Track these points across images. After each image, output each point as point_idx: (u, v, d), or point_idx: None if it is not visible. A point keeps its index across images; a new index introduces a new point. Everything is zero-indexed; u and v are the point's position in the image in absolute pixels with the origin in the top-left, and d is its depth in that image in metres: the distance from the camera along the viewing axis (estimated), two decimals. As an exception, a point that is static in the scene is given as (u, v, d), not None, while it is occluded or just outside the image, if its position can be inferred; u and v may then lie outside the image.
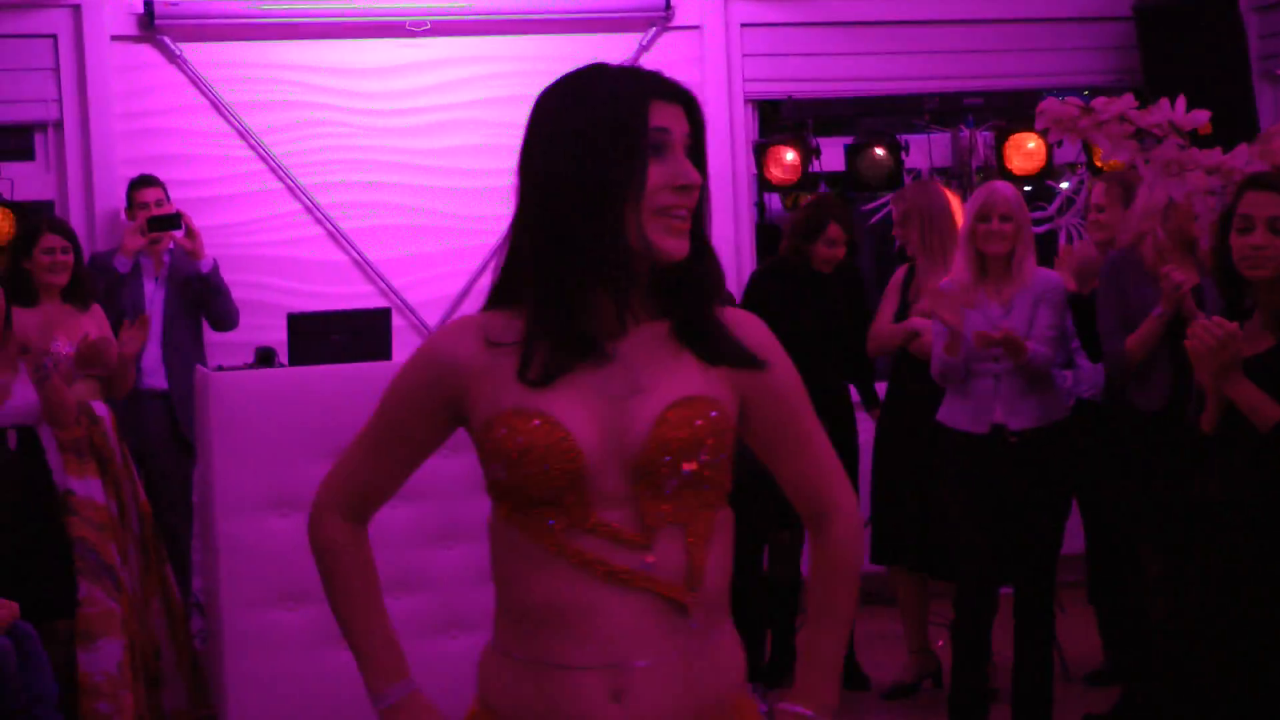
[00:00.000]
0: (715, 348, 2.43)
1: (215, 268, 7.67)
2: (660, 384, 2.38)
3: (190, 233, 7.62)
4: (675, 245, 2.35)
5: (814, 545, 2.60)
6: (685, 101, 2.44)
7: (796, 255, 7.08)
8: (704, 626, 2.44)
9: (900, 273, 6.98)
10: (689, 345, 2.43)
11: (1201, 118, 5.71)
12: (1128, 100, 5.55)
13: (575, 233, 2.34)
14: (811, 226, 7.10)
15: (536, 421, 2.33)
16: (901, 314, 6.83)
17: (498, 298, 2.48)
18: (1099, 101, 7.17)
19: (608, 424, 2.35)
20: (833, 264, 7.07)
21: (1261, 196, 4.37)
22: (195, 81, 8.29)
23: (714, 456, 2.38)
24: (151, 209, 7.60)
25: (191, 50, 8.29)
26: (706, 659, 2.46)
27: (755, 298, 7.01)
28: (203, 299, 7.69)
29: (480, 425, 2.41)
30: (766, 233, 9.02)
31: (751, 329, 2.51)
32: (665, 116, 2.38)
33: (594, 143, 2.33)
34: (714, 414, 2.38)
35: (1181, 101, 5.76)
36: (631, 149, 2.33)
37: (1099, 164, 8.08)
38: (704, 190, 2.42)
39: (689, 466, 2.35)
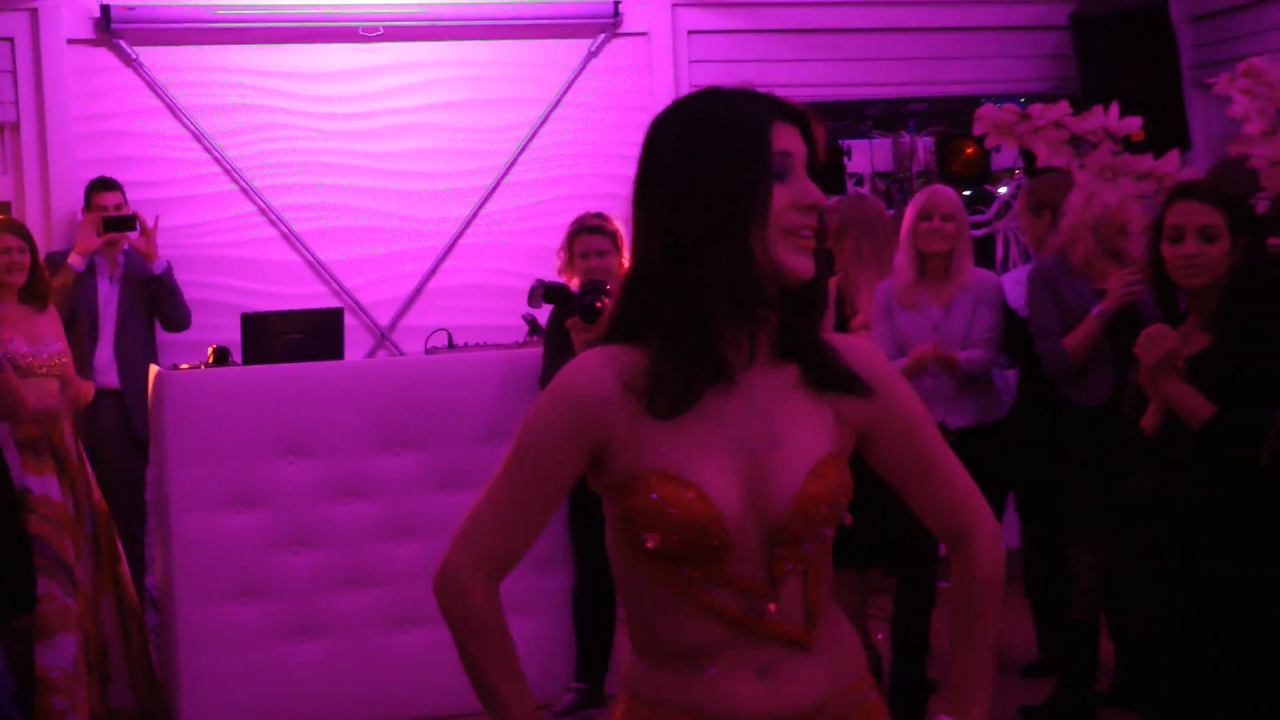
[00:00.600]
0: (832, 374, 2.40)
1: (169, 269, 7.64)
2: (797, 438, 2.35)
3: (145, 234, 7.58)
4: (803, 264, 2.32)
5: (955, 564, 2.55)
6: (802, 121, 2.38)
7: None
8: (823, 645, 2.41)
9: (832, 286, 6.99)
10: (813, 382, 2.40)
11: (1134, 124, 5.76)
12: (1063, 107, 5.58)
13: (705, 258, 2.29)
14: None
15: (691, 495, 2.28)
16: (840, 327, 6.82)
17: (618, 331, 2.39)
18: (1036, 108, 7.21)
19: (749, 485, 2.32)
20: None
21: (1190, 206, 4.39)
22: (151, 85, 8.23)
23: (846, 516, 2.40)
24: (110, 212, 7.56)
25: (147, 54, 8.23)
26: (833, 655, 2.43)
27: None
28: (157, 299, 7.65)
29: (621, 475, 2.35)
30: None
31: (863, 354, 2.46)
32: (786, 138, 2.33)
33: (722, 168, 2.29)
34: (845, 476, 2.38)
35: (1115, 109, 5.80)
36: (759, 173, 2.28)
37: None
38: (823, 220, 2.38)
39: (827, 534, 2.39)
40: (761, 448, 2.33)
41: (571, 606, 6.75)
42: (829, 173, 8.53)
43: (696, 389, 2.30)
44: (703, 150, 2.30)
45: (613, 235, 6.66)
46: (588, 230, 6.67)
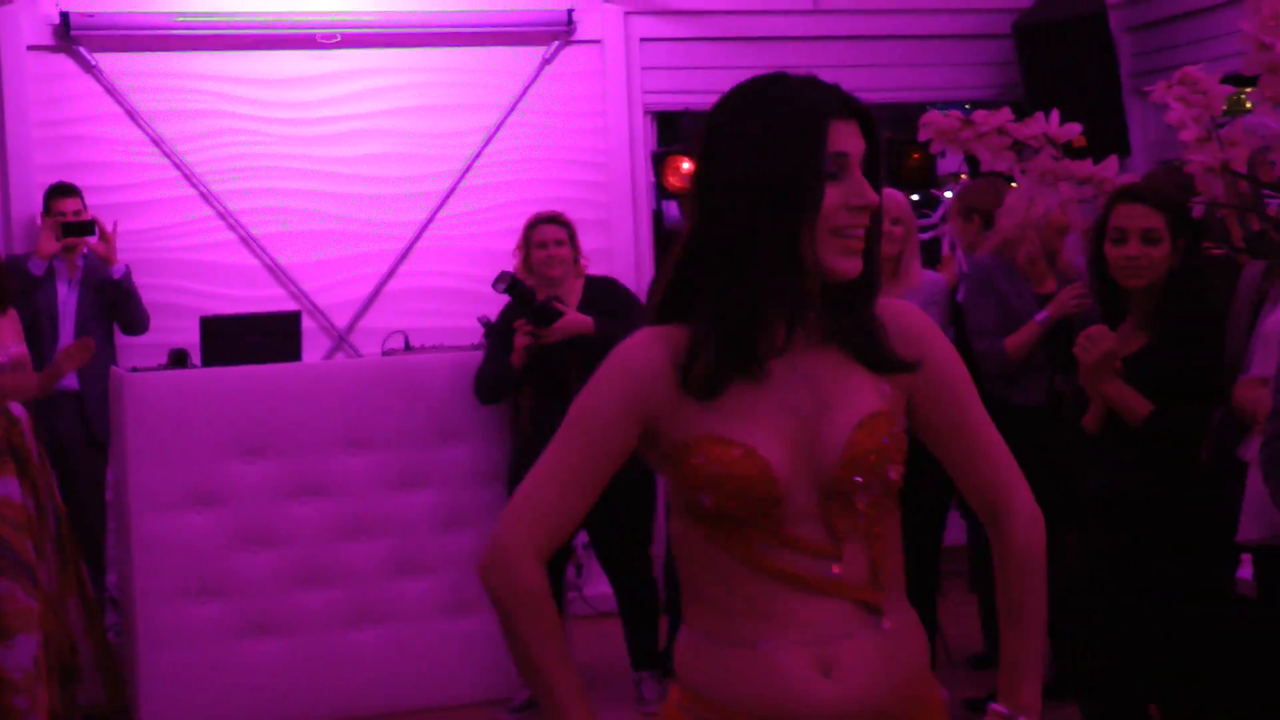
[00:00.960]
0: (876, 355, 2.37)
1: (128, 273, 7.61)
2: (844, 400, 2.33)
3: (104, 238, 7.56)
4: (849, 265, 2.30)
5: (995, 547, 2.50)
6: (861, 115, 2.33)
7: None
8: (892, 617, 2.35)
9: None
10: (858, 359, 2.37)
11: (1074, 131, 5.78)
12: (1006, 114, 5.60)
13: (753, 247, 2.26)
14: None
15: (739, 452, 2.27)
16: None
17: (667, 311, 2.39)
18: (979, 115, 7.22)
19: (800, 444, 2.30)
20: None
21: (1134, 209, 4.43)
22: (110, 90, 8.21)
23: (897, 469, 2.34)
24: (69, 218, 7.53)
25: (107, 60, 8.20)
26: (899, 643, 2.36)
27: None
28: (115, 303, 7.63)
29: (673, 446, 2.33)
30: (665, 239, 9.05)
31: (908, 321, 2.43)
32: (843, 137, 2.29)
33: (775, 163, 2.25)
34: (896, 429, 2.34)
35: (1056, 115, 5.83)
36: (811, 173, 2.25)
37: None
38: (879, 213, 2.36)
39: (878, 485, 2.32)
40: (810, 411, 2.32)
41: None
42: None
43: (727, 376, 2.29)
44: (759, 141, 2.26)
45: (568, 227, 6.69)
46: (543, 221, 6.71)
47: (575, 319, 6.45)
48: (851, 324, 2.37)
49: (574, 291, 6.68)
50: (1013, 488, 2.48)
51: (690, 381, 2.29)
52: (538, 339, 6.45)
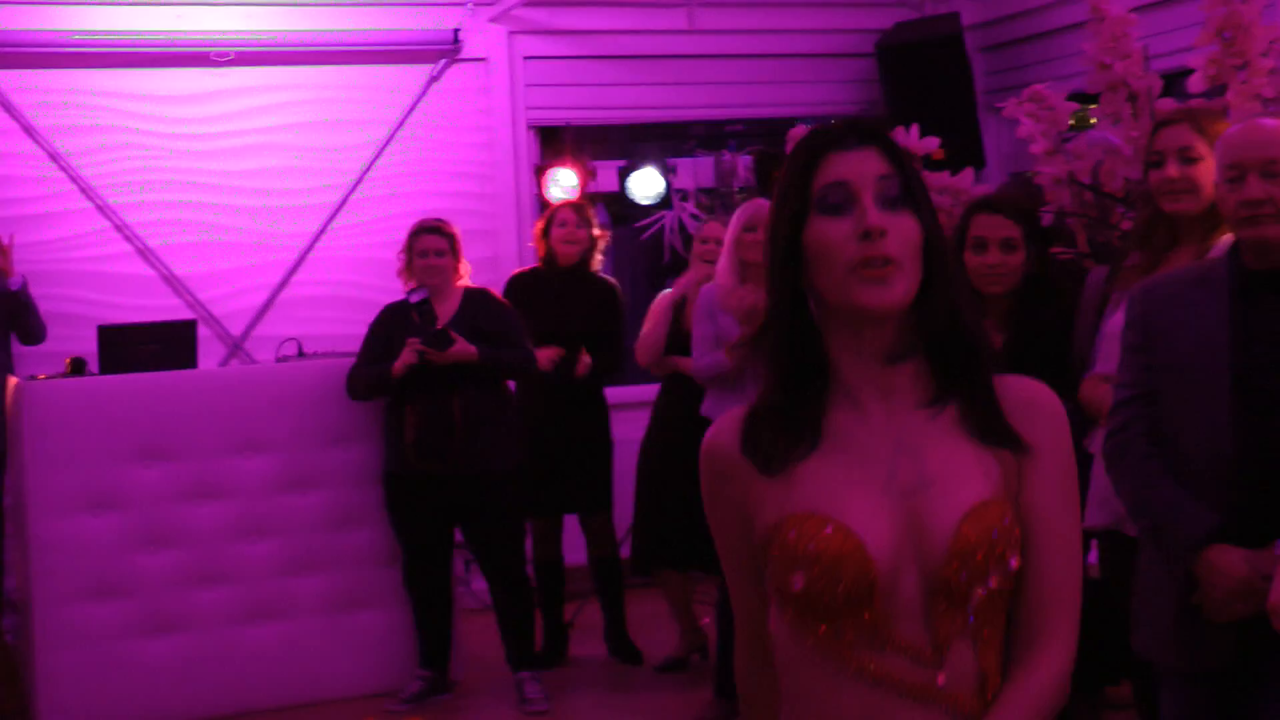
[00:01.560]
0: (986, 424, 2.06)
1: (25, 285, 7.46)
2: (951, 478, 2.02)
3: (1, 251, 7.43)
4: (870, 296, 1.98)
5: (1009, 675, 2.06)
6: (878, 140, 2.06)
7: (545, 252, 7.20)
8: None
9: (667, 296, 7.02)
10: (966, 430, 2.06)
11: (933, 144, 5.87)
12: (868, 128, 5.65)
13: (777, 302, 2.07)
14: (548, 219, 7.31)
15: (829, 529, 1.99)
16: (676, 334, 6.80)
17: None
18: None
19: (900, 527, 2.01)
20: (570, 254, 7.18)
21: (992, 219, 4.49)
22: (7, 106, 8.07)
23: (1013, 567, 2.02)
24: None
25: (3, 76, 8.07)
26: None
27: (511, 300, 7.00)
28: (13, 315, 7.50)
29: (764, 532, 2.06)
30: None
31: (1034, 396, 2.10)
32: (843, 167, 2.03)
33: (778, 211, 2.07)
34: (1007, 520, 2.01)
35: (915, 129, 5.90)
36: (795, 215, 2.04)
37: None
38: (931, 226, 2.05)
39: (990, 585, 2.01)
40: (913, 488, 2.02)
41: (409, 601, 6.74)
42: (654, 187, 8.59)
43: (784, 447, 2.06)
44: (775, 195, 2.10)
45: (450, 238, 6.68)
46: (426, 230, 6.69)
47: (464, 349, 6.44)
48: (963, 386, 2.08)
49: (453, 300, 6.65)
50: (1051, 632, 2.07)
51: (756, 458, 2.07)
52: (424, 358, 6.43)
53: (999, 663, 2.04)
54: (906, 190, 2.03)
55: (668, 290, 7.04)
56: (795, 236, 2.04)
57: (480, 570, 6.89)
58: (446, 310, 6.58)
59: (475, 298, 6.70)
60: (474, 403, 6.51)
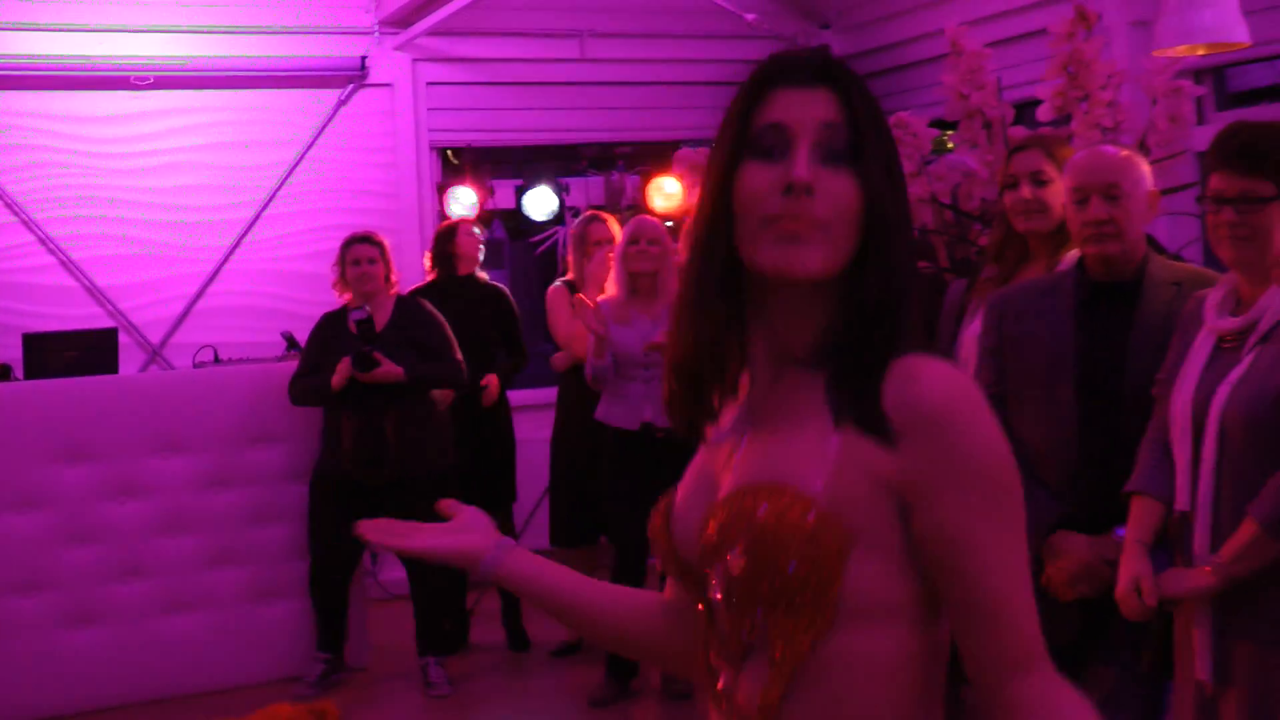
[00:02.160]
0: (854, 406, 1.57)
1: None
2: (759, 460, 1.63)
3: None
4: (779, 257, 1.57)
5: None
6: (835, 81, 1.62)
7: (442, 265, 7.19)
8: None
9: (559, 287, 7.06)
10: (832, 405, 1.59)
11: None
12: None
13: (698, 256, 1.67)
14: (447, 231, 7.29)
15: (661, 509, 1.79)
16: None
17: None
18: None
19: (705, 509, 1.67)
20: (473, 262, 7.16)
21: None
22: (-65, 127, 7.97)
23: (798, 569, 1.54)
24: None
25: (-68, 99, 7.97)
26: None
27: None
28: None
29: None
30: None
31: (921, 389, 1.54)
32: (788, 106, 1.61)
33: (713, 152, 1.67)
34: (807, 514, 1.54)
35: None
36: (731, 155, 1.63)
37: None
38: (877, 191, 1.59)
39: (721, 575, 1.61)
40: (734, 468, 1.67)
41: (310, 588, 6.70)
42: (549, 205, 8.60)
43: (686, 414, 1.72)
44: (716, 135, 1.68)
45: (380, 247, 6.65)
46: (358, 240, 6.65)
47: (389, 370, 6.39)
48: (841, 360, 1.61)
49: (385, 308, 6.61)
50: (1016, 666, 1.53)
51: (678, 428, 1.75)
52: (353, 377, 6.40)
53: (798, 705, 1.57)
54: (855, 145, 1.60)
55: (557, 282, 7.08)
56: (729, 181, 1.63)
57: (402, 562, 6.85)
58: (380, 318, 6.54)
59: (407, 306, 6.67)
60: (406, 417, 6.49)
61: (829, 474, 1.56)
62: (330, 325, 6.64)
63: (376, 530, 1.97)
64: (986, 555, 1.53)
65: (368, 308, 6.52)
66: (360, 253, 6.60)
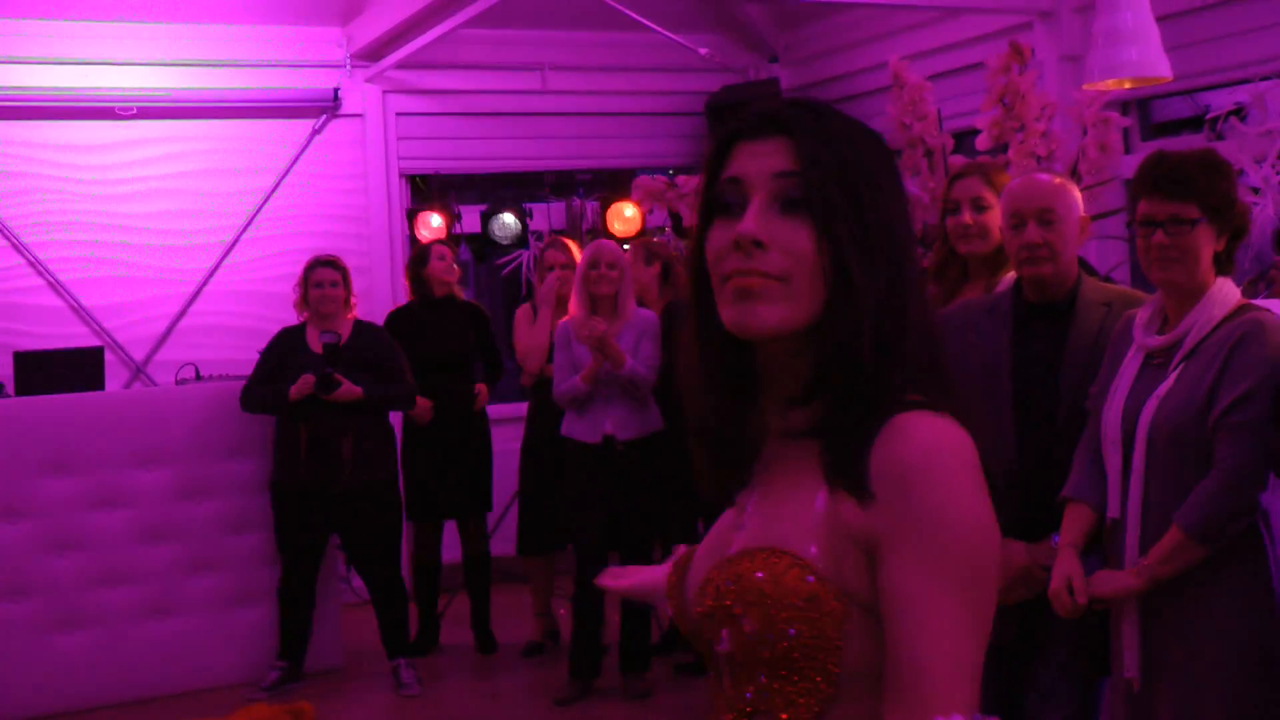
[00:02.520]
0: (838, 466, 1.47)
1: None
2: (759, 520, 1.54)
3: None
4: (736, 314, 1.48)
5: None
6: (790, 129, 1.51)
7: (417, 285, 7.17)
8: None
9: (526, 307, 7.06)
10: (821, 462, 1.49)
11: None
12: (702, 178, 5.72)
13: (692, 319, 1.60)
14: (419, 256, 7.26)
15: (675, 563, 1.72)
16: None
17: None
18: (681, 179, 7.38)
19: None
20: (447, 284, 7.16)
21: None
22: (-72, 155, 7.94)
23: (800, 634, 1.43)
24: None
25: (-74, 128, 7.93)
26: None
27: (395, 333, 6.97)
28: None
29: None
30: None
31: (903, 450, 1.44)
32: (745, 160, 1.52)
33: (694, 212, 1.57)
34: (805, 578, 1.44)
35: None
36: (704, 214, 1.55)
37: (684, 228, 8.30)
38: (836, 237, 1.47)
39: (724, 645, 1.51)
40: (739, 529, 1.58)
41: (277, 599, 6.68)
42: (512, 229, 8.61)
43: (713, 480, 1.62)
44: None
45: (343, 271, 6.64)
46: (321, 264, 6.64)
47: (349, 390, 6.39)
48: (829, 417, 1.50)
49: (344, 330, 6.60)
50: (916, 704, 1.37)
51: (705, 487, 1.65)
52: (314, 395, 6.40)
53: None
54: (810, 193, 1.47)
55: (526, 304, 7.09)
56: (701, 241, 1.56)
57: (357, 571, 6.84)
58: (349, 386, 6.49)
59: (364, 330, 6.67)
60: (361, 432, 6.49)
61: (822, 536, 1.45)
62: (288, 340, 6.63)
63: (613, 580, 2.05)
64: (921, 616, 1.38)
65: (338, 333, 6.51)
66: (323, 275, 6.60)
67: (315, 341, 6.52)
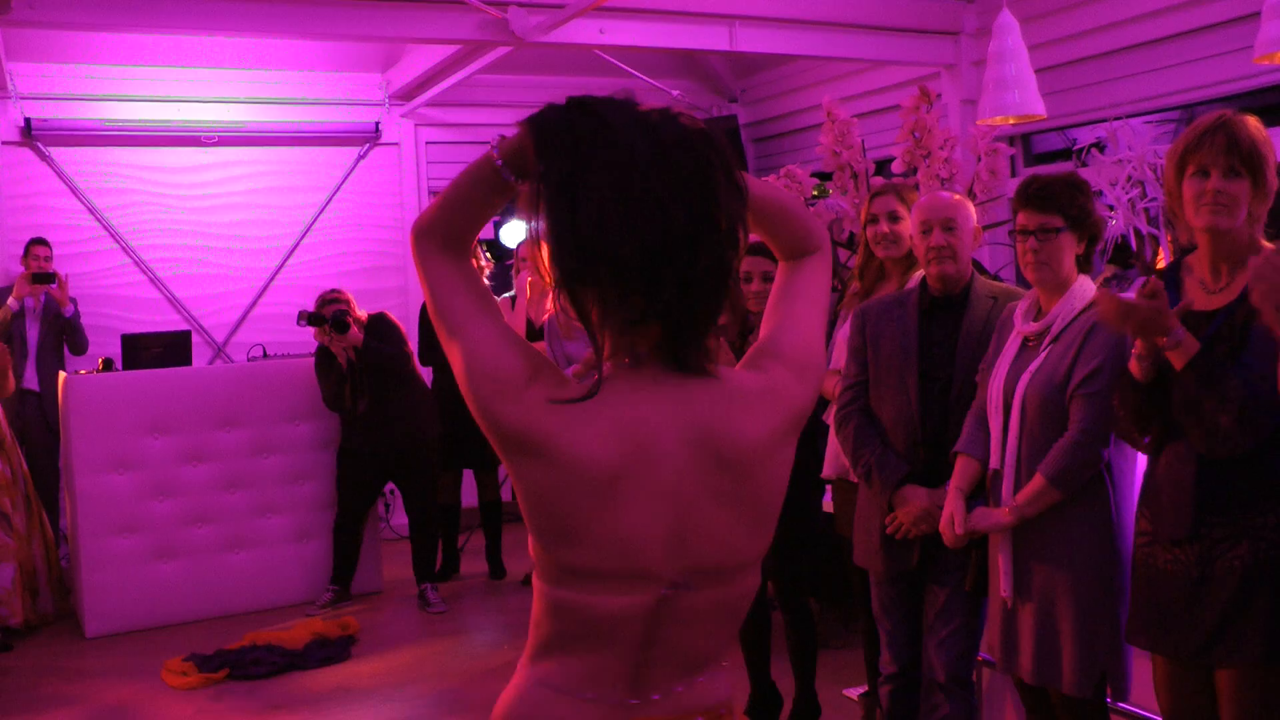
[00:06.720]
0: None
1: (76, 312, 7.38)
2: None
3: (61, 286, 7.31)
4: None
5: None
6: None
7: None
8: None
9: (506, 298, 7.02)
10: None
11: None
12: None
13: None
14: None
15: None
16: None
17: None
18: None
19: None
20: (483, 275, 7.12)
21: (755, 259, 4.33)
22: (59, 174, 7.94)
23: None
24: (41, 262, 7.29)
25: (58, 153, 7.92)
26: None
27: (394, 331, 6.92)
28: (65, 332, 7.38)
29: None
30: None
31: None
32: None
33: None
34: None
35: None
36: None
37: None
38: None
39: None
40: None
41: (333, 533, 6.71)
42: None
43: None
44: None
45: (347, 301, 6.52)
46: (329, 300, 6.53)
47: (355, 334, 6.35)
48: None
49: (356, 329, 6.52)
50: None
51: None
52: (334, 338, 6.38)
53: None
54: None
55: (506, 296, 7.03)
56: None
57: (405, 511, 6.85)
58: (355, 333, 6.41)
59: (374, 318, 6.61)
60: (404, 396, 6.50)
61: None
62: (322, 352, 6.60)
63: None
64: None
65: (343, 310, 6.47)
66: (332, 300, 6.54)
67: (337, 349, 6.48)
